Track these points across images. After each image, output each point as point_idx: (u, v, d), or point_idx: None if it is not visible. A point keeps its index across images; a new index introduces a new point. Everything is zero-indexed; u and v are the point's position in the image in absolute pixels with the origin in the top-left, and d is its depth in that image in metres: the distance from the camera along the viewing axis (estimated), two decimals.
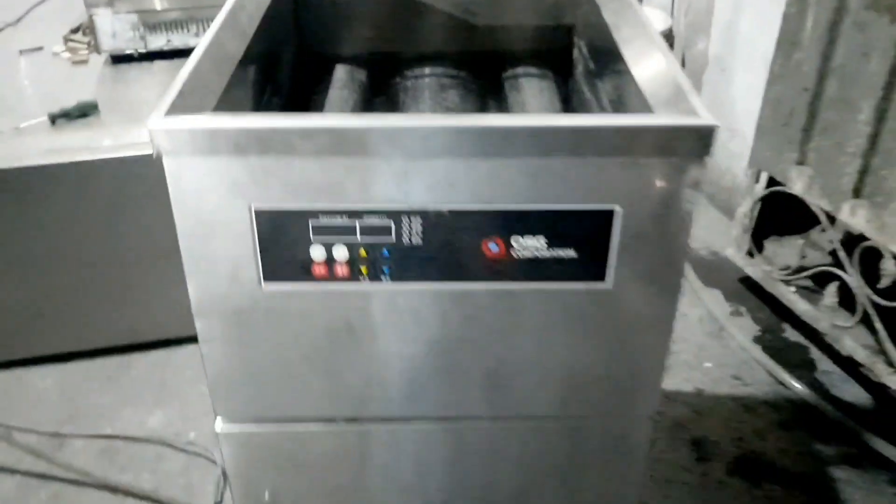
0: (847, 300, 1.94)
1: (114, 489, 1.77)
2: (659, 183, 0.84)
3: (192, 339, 2.07)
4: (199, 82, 0.88)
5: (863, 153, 1.78)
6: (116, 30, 2.22)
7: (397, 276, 0.90)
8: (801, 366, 2.08)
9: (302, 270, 0.89)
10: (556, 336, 0.96)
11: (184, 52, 2.24)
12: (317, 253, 0.88)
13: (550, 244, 0.88)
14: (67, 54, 2.35)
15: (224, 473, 1.79)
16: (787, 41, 1.93)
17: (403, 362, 0.98)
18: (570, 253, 0.89)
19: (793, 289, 2.14)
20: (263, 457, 1.08)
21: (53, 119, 1.97)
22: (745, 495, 1.76)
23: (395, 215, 0.86)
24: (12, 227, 1.90)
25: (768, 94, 2.03)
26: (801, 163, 1.97)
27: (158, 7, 2.22)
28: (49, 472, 1.80)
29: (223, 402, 1.02)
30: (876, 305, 1.84)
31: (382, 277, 0.90)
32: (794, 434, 1.90)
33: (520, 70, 1.39)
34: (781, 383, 2.03)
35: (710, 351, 2.14)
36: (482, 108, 1.33)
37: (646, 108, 0.89)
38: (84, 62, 2.30)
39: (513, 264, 0.89)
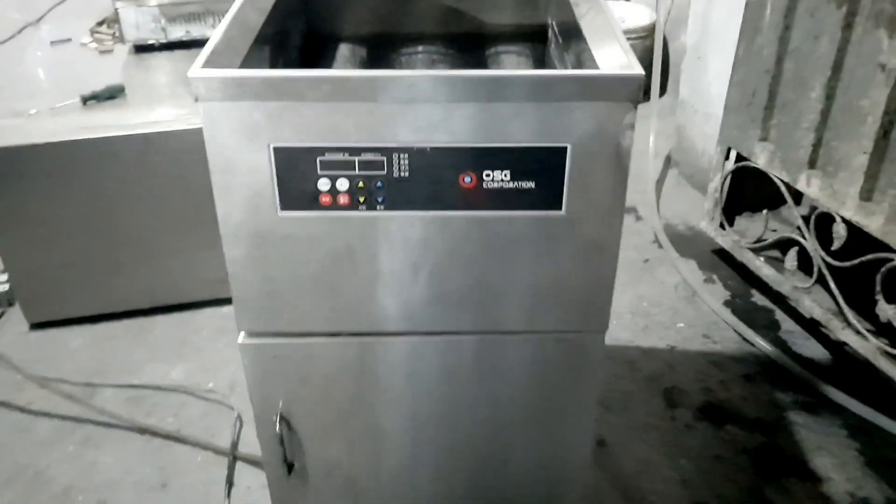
0: (807, 265, 2.12)
1: (141, 430, 1.97)
2: (601, 124, 1.03)
3: (210, 303, 2.29)
4: (227, 45, 1.08)
5: (815, 127, 1.97)
6: (140, 22, 2.44)
7: (389, 205, 1.10)
8: (766, 326, 2.27)
9: (311, 200, 1.09)
10: (521, 258, 1.15)
11: (201, 43, 2.44)
12: (323, 185, 1.08)
13: (514, 177, 1.08)
14: (94, 45, 2.56)
15: (240, 418, 1.98)
16: (750, 28, 2.13)
17: (395, 281, 1.17)
18: (530, 185, 1.08)
19: (761, 258, 2.33)
20: (278, 368, 1.27)
21: (84, 100, 2.18)
22: (709, 437, 1.95)
23: (387, 152, 1.06)
24: (47, 198, 2.10)
25: (734, 77, 2.22)
26: (763, 139, 2.16)
27: (178, 0, 2.42)
28: (82, 416, 2.01)
29: (245, 317, 1.21)
30: (830, 267, 2.03)
31: (377, 206, 1.10)
32: (756, 385, 2.09)
33: (501, 48, 1.58)
34: (747, 341, 2.22)
35: (683, 314, 2.33)
36: None
37: (593, 66, 1.09)
38: (110, 52, 2.51)
39: (484, 195, 1.09)
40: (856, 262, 1.93)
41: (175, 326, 2.30)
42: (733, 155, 2.33)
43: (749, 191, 2.40)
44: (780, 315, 2.31)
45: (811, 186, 2.02)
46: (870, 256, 1.89)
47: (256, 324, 1.22)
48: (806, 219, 2.09)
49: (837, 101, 1.91)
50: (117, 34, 2.51)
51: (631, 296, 2.39)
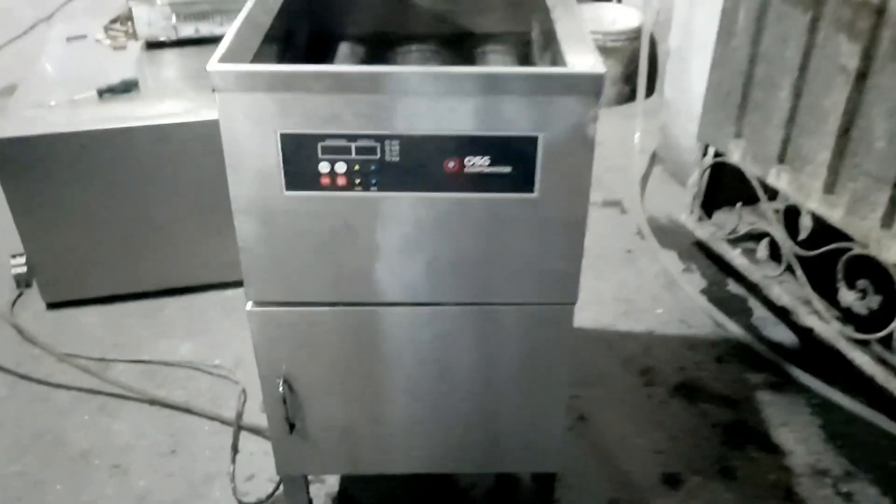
0: (779, 255, 2.26)
1: (151, 401, 2.11)
2: (568, 116, 1.18)
3: (216, 286, 2.43)
4: (239, 42, 1.23)
5: (784, 125, 2.11)
6: (152, 20, 2.58)
7: (382, 186, 1.24)
8: (739, 312, 2.41)
9: (313, 181, 1.24)
10: (499, 236, 1.30)
11: (210, 40, 2.59)
12: (324, 167, 1.22)
13: (492, 162, 1.22)
14: (108, 41, 2.70)
15: (244, 392, 2.12)
16: (725, 32, 2.27)
17: (388, 255, 1.32)
18: (507, 169, 1.23)
19: (737, 249, 2.47)
20: (282, 334, 1.41)
21: (101, 93, 2.32)
22: (682, 412, 2.09)
23: (380, 139, 1.20)
24: (66, 184, 2.24)
25: (711, 77, 2.37)
26: (737, 136, 2.31)
27: (188, 0, 2.57)
28: (97, 388, 2.15)
29: (253, 287, 1.36)
30: (798, 256, 2.17)
31: (371, 187, 1.24)
32: (728, 366, 2.23)
33: (489, 47, 1.73)
34: (721, 326, 2.36)
35: (662, 300, 2.47)
36: None
37: (563, 65, 1.23)
38: (123, 48, 2.65)
39: (466, 178, 1.23)
40: (820, 251, 2.07)
41: (183, 308, 2.44)
42: (711, 151, 2.47)
43: (727, 185, 2.54)
44: (753, 302, 2.45)
45: (780, 180, 2.16)
46: (832, 246, 2.03)
47: (263, 293, 1.37)
48: (777, 211, 2.23)
49: (804, 100, 2.05)
50: (130, 31, 2.65)
51: (613, 283, 2.54)
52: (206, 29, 2.60)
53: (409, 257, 1.32)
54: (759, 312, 2.41)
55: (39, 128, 2.17)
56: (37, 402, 2.12)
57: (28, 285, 2.50)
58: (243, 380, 2.14)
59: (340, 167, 1.22)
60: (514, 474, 1.91)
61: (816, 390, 2.13)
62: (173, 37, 2.60)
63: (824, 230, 2.05)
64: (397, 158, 1.22)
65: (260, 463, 1.93)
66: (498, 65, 1.63)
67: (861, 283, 1.99)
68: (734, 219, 2.49)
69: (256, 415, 2.02)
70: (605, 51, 3.42)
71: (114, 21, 2.79)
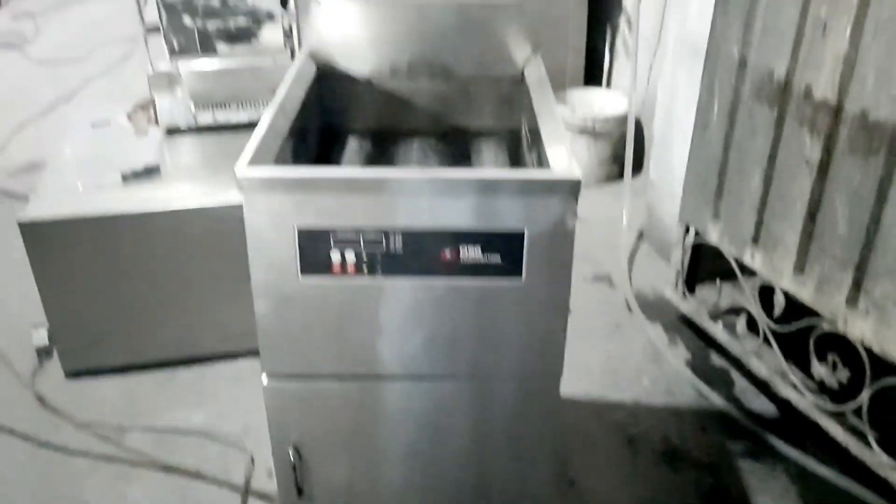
0: (756, 330, 2.41)
1: (165, 468, 2.23)
2: (549, 213, 1.35)
3: (226, 357, 2.56)
4: (263, 149, 1.41)
5: (757, 209, 2.28)
6: (173, 108, 2.78)
7: (387, 272, 1.41)
8: (722, 384, 2.55)
9: (326, 268, 1.40)
10: (490, 316, 1.45)
11: (227, 127, 2.79)
12: (335, 256, 1.39)
13: (484, 252, 1.39)
14: (131, 126, 2.90)
15: (252, 459, 2.25)
16: (701, 123, 2.47)
17: (390, 332, 1.47)
18: (497, 258, 1.39)
19: (720, 324, 2.62)
20: (293, 406, 1.56)
21: (125, 178, 2.51)
22: (665, 478, 2.21)
23: (385, 232, 1.37)
24: (89, 263, 2.41)
25: (689, 163, 2.56)
26: (715, 218, 2.48)
27: (206, 90, 2.77)
28: (114, 455, 2.27)
29: (269, 362, 1.51)
30: (773, 332, 2.32)
31: (377, 273, 1.41)
32: (710, 435, 2.36)
33: (483, 143, 1.92)
34: (704, 397, 2.49)
35: (648, 372, 2.61)
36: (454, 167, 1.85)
37: (547, 165, 1.40)
38: (145, 133, 2.85)
39: (460, 266, 1.40)
40: (793, 327, 2.22)
41: (194, 377, 2.58)
42: (693, 231, 2.64)
43: (709, 261, 2.70)
44: (734, 374, 2.59)
45: (755, 261, 2.32)
46: (803, 322, 2.18)
47: (278, 366, 1.52)
48: (754, 288, 2.39)
49: (773, 187, 2.23)
50: (152, 118, 2.86)
51: (602, 355, 2.68)
52: (222, 117, 2.80)
53: (409, 334, 1.48)
54: (741, 384, 2.55)
55: (69, 210, 2.35)
56: (55, 466, 2.24)
57: (49, 355, 2.64)
58: (251, 447, 2.26)
59: (350, 256, 1.39)
60: None
61: (794, 459, 2.25)
62: (193, 124, 2.80)
63: (798, 306, 2.20)
64: (400, 248, 1.38)
65: None
66: (491, 161, 1.82)
67: (830, 357, 2.14)
68: (715, 294, 2.65)
69: (264, 480, 2.15)
70: (594, 134, 3.64)
71: (136, 108, 3.00)
